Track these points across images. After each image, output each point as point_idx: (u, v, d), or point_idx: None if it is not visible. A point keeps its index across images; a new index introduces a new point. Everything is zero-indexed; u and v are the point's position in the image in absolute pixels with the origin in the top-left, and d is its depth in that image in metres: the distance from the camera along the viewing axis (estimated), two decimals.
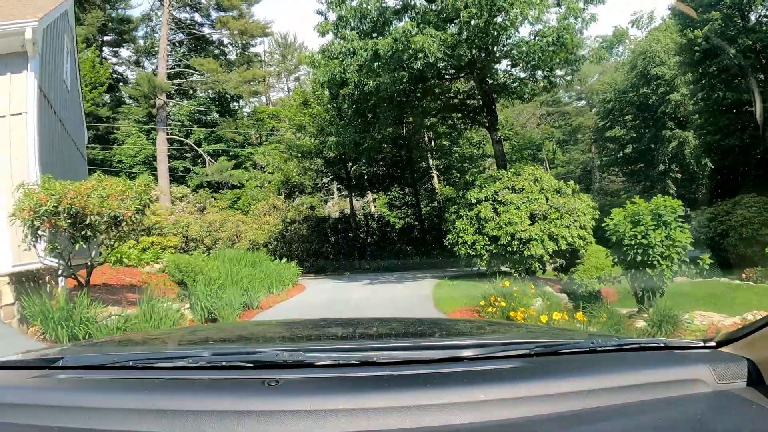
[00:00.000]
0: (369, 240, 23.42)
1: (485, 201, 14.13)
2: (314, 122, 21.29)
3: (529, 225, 13.45)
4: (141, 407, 1.05)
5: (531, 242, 13.11)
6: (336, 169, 23.80)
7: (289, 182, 22.86)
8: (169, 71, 35.61)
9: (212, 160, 34.82)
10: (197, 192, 33.32)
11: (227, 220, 26.78)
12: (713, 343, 1.40)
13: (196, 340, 2.05)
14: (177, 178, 35.75)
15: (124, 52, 41.39)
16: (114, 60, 40.21)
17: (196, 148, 38.04)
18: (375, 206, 38.42)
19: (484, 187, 14.40)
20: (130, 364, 1.28)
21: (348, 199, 26.43)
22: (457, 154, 25.82)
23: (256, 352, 1.38)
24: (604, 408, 1.09)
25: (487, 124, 18.93)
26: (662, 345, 1.47)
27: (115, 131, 36.28)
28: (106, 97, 37.03)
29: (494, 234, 13.47)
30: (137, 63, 41.46)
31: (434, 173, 29.45)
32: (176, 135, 36.82)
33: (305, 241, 23.45)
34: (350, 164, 23.37)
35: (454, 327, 2.49)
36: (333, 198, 45.63)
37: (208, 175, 35.77)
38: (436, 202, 28.87)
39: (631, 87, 40.63)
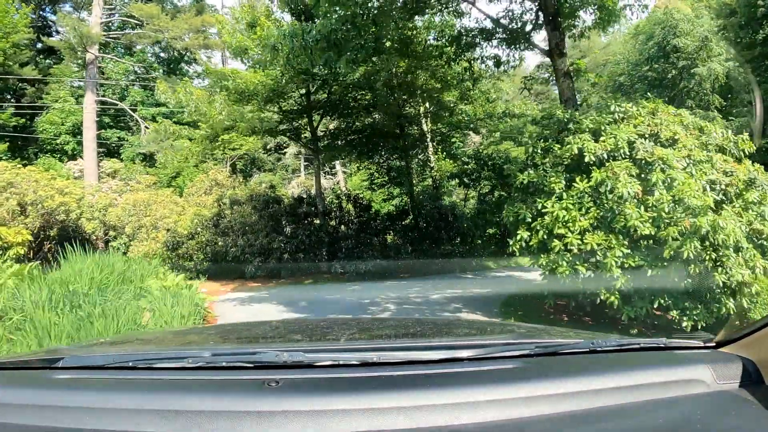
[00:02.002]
0: (343, 231, 15.87)
1: (612, 159, 6.78)
2: (264, 49, 13.22)
3: (714, 213, 6.15)
4: (141, 407, 1.05)
5: (729, 252, 5.80)
6: (295, 123, 15.91)
7: (218, 140, 14.83)
8: (104, 21, 29.21)
9: (149, 127, 28.32)
10: (132, 165, 28.09)
11: (155, 202, 20.03)
12: (713, 344, 1.40)
13: (196, 340, 2.06)
14: (111, 150, 30.53)
15: None
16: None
17: (130, 111, 30.79)
18: (346, 186, 30.91)
19: (604, 130, 7.01)
20: (130, 364, 1.28)
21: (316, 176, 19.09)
22: (465, 113, 18.33)
23: (256, 352, 1.37)
24: (604, 408, 1.08)
25: (548, 47, 11.59)
26: (662, 345, 1.47)
27: (44, 96, 30.25)
28: (33, 54, 31.02)
29: (644, 229, 6.10)
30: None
31: (429, 142, 22.02)
32: (109, 97, 30.45)
33: (249, 231, 15.77)
34: (315, 110, 15.52)
35: (454, 327, 2.44)
36: (299, 176, 37.81)
37: (143, 145, 29.03)
38: (431, 180, 21.60)
39: (647, 60, 35.50)
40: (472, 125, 17.54)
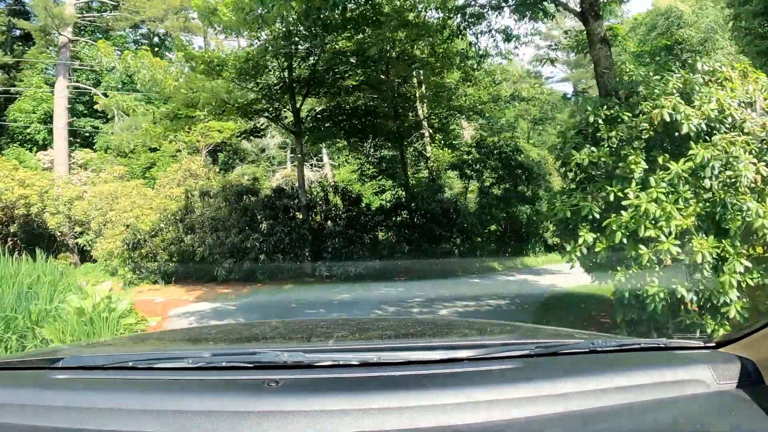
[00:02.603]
0: (330, 227, 13.72)
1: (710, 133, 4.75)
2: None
3: None
4: (141, 408, 1.04)
5: None
6: (275, 102, 13.69)
7: (180, 119, 12.50)
8: (81, 1, 27.19)
9: (124, 115, 25.35)
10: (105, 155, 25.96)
11: (122, 194, 17.95)
12: (713, 344, 1.39)
13: (196, 340, 2.03)
14: (86, 140, 28.67)
15: None
16: None
17: (102, 96, 28.37)
18: (334, 179, 28.80)
19: (698, 92, 4.93)
20: (131, 364, 1.27)
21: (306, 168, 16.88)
22: (468, 96, 16.24)
23: (256, 352, 1.35)
24: (605, 408, 1.08)
25: (581, 8, 9.54)
26: (662, 345, 1.46)
27: (17, 83, 28.18)
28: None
29: None
30: None
31: (426, 129, 19.94)
32: (83, 83, 28.17)
33: (220, 227, 13.57)
34: (298, 85, 13.34)
35: (455, 327, 2.40)
36: (285, 168, 35.46)
37: (117, 133, 26.92)
38: (427, 171, 19.56)
39: (649, 53, 34.09)
40: (476, 109, 15.44)
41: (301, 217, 13.96)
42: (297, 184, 14.74)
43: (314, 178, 24.47)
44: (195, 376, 1.21)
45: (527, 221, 16.38)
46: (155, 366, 1.27)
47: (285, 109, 14.65)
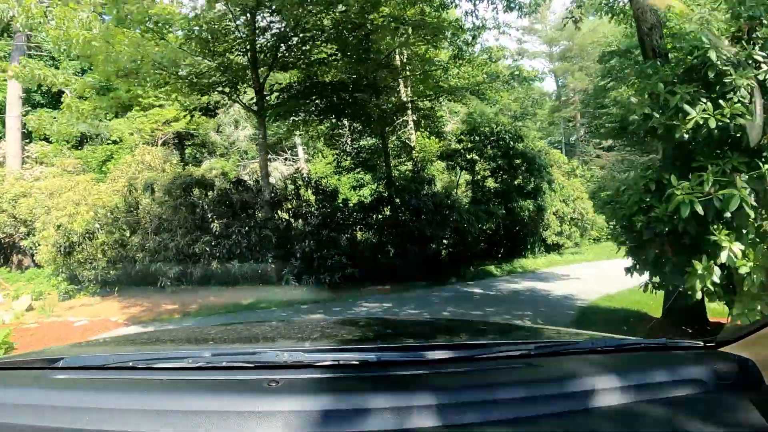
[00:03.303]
0: (299, 227, 11.47)
1: None
2: None
3: None
4: (141, 408, 1.04)
5: None
6: (236, 74, 11.35)
7: (112, 91, 10.06)
8: None
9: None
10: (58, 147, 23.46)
11: (68, 189, 15.93)
12: (713, 344, 1.37)
13: (196, 340, 1.99)
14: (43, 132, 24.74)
15: None
16: None
17: (55, 81, 25.37)
18: (308, 173, 26.43)
19: None
20: (130, 364, 1.27)
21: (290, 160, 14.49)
22: (460, 75, 14.11)
23: (256, 352, 1.37)
24: (605, 408, 1.08)
25: None
26: (662, 345, 1.46)
27: None
28: None
29: None
30: None
31: (410, 114, 17.79)
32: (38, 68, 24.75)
33: (165, 228, 11.20)
34: (262, 55, 11.04)
35: (455, 327, 2.41)
36: (257, 161, 32.95)
37: (73, 125, 24.23)
38: (411, 163, 17.41)
39: (639, 44, 32.69)
40: (472, 89, 13.31)
41: (263, 215, 11.63)
42: (261, 173, 12.37)
43: (288, 173, 22.18)
44: (195, 376, 1.21)
45: (528, 218, 14.42)
46: (155, 366, 1.26)
47: (246, 86, 12.29)
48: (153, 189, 11.97)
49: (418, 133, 18.59)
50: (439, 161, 19.50)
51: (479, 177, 14.20)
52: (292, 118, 11.81)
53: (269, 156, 31.94)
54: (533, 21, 47.64)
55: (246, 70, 11.73)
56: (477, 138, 13.76)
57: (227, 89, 11.86)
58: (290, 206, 12.46)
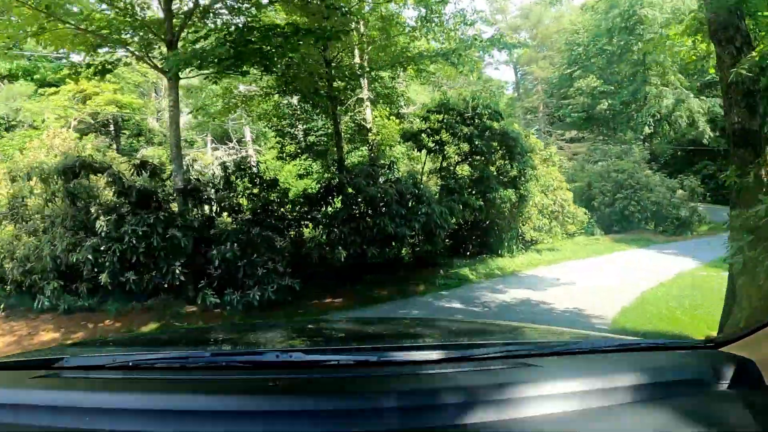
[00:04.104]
0: (224, 225, 8.68)
1: None
2: None
3: None
4: (142, 407, 1.04)
5: None
6: (142, 26, 8.44)
7: None
8: None
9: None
10: None
11: None
12: (713, 344, 1.38)
13: (196, 341, 2.02)
14: None
15: None
16: None
17: None
18: (255, 160, 23.42)
19: None
20: (131, 364, 1.25)
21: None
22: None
23: (256, 352, 1.40)
24: (605, 408, 1.07)
25: None
26: (662, 345, 1.46)
27: None
28: None
29: None
30: None
31: (366, 92, 15.22)
32: None
33: (41, 228, 8.27)
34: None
35: (455, 328, 2.36)
36: (203, 152, 29.66)
37: None
38: (368, 147, 14.90)
39: (607, 31, 31.84)
40: (444, 54, 10.81)
41: (175, 209, 8.82)
42: (172, 154, 9.48)
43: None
44: (195, 376, 1.21)
45: (508, 211, 12.19)
46: (156, 366, 1.26)
47: (157, 40, 9.39)
48: (42, 176, 8.93)
49: (376, 111, 16.07)
50: (400, 146, 17.07)
51: (451, 162, 11.81)
52: (206, 70, 8.88)
53: (216, 146, 28.78)
54: (494, 12, 46.08)
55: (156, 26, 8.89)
56: (448, 115, 11.36)
57: (130, 40, 8.93)
58: (213, 197, 9.67)
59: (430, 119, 12.31)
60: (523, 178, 12.06)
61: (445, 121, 11.25)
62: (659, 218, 20.95)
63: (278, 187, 10.19)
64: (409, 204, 9.22)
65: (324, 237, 9.52)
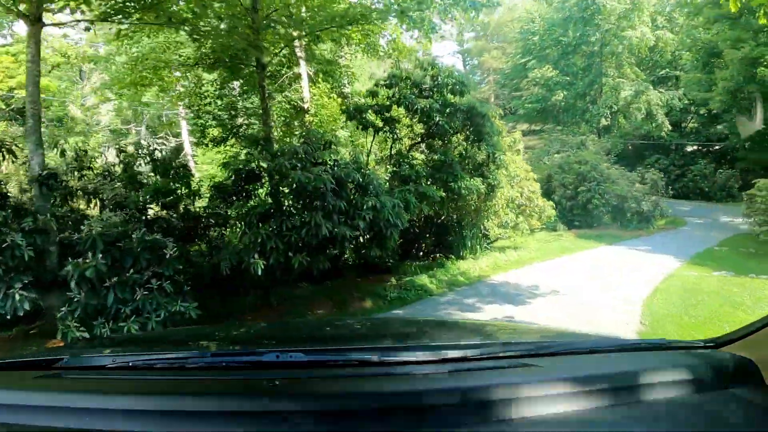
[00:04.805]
0: (86, 232, 6.01)
1: None
2: None
3: None
4: (141, 408, 1.04)
5: None
6: None
7: None
8: None
9: None
10: None
11: None
12: (713, 344, 1.37)
13: (196, 341, 1.98)
14: None
15: None
16: None
17: None
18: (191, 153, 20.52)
19: None
20: (131, 365, 1.25)
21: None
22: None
23: (256, 353, 1.37)
24: (605, 408, 1.07)
25: None
26: (662, 345, 1.46)
27: None
28: None
29: None
30: None
31: (303, 64, 12.85)
32: None
33: None
34: None
35: (455, 328, 2.39)
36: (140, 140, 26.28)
37: None
38: (303, 130, 12.49)
39: (564, 21, 30.98)
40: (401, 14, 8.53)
41: (29, 205, 6.20)
42: (25, 131, 6.83)
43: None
44: (195, 376, 1.20)
45: (475, 203, 10.16)
46: (156, 366, 1.25)
47: None
48: None
49: (315, 89, 13.71)
50: (343, 130, 14.78)
51: (405, 145, 9.64)
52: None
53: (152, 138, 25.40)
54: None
55: None
56: (402, 84, 9.17)
57: None
58: (86, 188, 7.09)
59: (379, 95, 10.08)
60: (492, 165, 10.03)
61: (397, 94, 9.05)
62: (620, 212, 19.88)
63: (184, 175, 7.74)
64: (352, 196, 6.96)
65: (240, 242, 7.11)
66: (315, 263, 6.83)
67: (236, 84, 13.95)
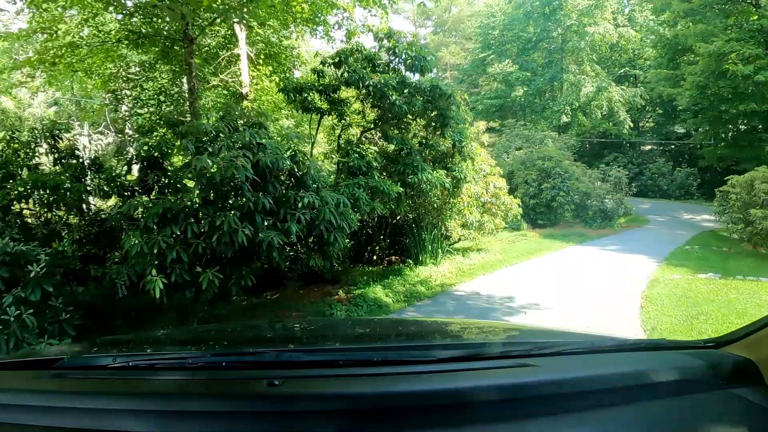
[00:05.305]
0: None
1: None
2: None
3: None
4: (141, 408, 1.03)
5: None
6: None
7: None
8: None
9: None
10: None
11: None
12: (713, 344, 1.36)
13: (196, 341, 1.95)
14: None
15: None
16: None
17: None
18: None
19: None
20: (131, 365, 1.24)
21: None
22: None
23: (256, 352, 1.38)
24: (605, 408, 1.06)
25: None
26: (662, 345, 1.47)
27: None
28: None
29: None
30: None
31: (242, 44, 11.19)
32: None
33: None
34: None
35: (455, 328, 2.31)
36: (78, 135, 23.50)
37: None
38: (238, 115, 10.83)
39: (525, 16, 30.48)
40: None
41: None
42: None
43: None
44: (195, 376, 1.19)
45: (439, 200, 8.73)
46: (156, 366, 1.23)
47: None
48: None
49: (255, 72, 12.06)
50: (288, 119, 13.17)
51: (356, 132, 8.12)
52: None
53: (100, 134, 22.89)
54: None
55: None
56: (353, 59, 7.64)
57: None
58: None
59: (326, 75, 8.53)
60: (458, 156, 8.62)
61: (347, 71, 7.51)
62: (584, 210, 19.13)
63: (74, 166, 6.00)
64: (283, 191, 5.40)
65: (139, 251, 5.39)
66: (234, 280, 5.23)
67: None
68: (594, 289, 8.07)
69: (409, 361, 1.25)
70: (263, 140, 5.42)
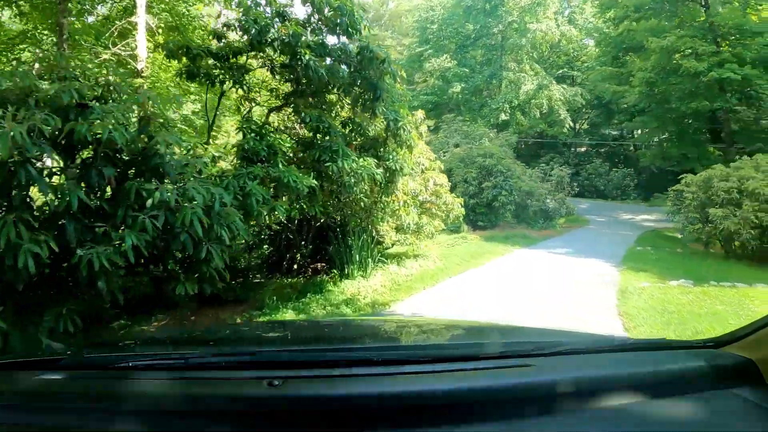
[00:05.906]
0: None
1: None
2: None
3: None
4: (142, 408, 1.02)
5: None
6: None
7: None
8: None
9: None
10: None
11: None
12: (713, 344, 1.35)
13: (196, 341, 1.94)
14: None
15: None
16: None
17: None
18: None
19: None
20: (131, 365, 1.22)
21: None
22: None
23: (256, 352, 1.35)
24: (606, 408, 1.05)
25: None
26: (662, 345, 1.45)
27: None
28: None
29: None
30: None
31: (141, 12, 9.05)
32: None
33: None
34: None
35: (455, 328, 2.31)
36: None
37: None
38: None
39: (464, 11, 29.72)
40: None
41: None
42: None
43: None
44: (195, 376, 1.17)
45: (368, 197, 6.95)
46: (156, 366, 1.22)
47: None
48: None
49: (152, 43, 9.90)
50: (193, 103, 11.06)
51: (255, 106, 6.23)
52: None
53: None
54: None
55: None
56: (260, 18, 5.75)
57: None
58: None
59: (228, 39, 6.61)
60: (392, 141, 6.88)
61: (245, 20, 5.64)
62: (525, 210, 18.22)
63: None
64: (123, 182, 3.50)
65: None
66: (42, 327, 3.26)
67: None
68: (560, 305, 6.65)
69: (408, 361, 1.21)
70: (89, 102, 3.46)
